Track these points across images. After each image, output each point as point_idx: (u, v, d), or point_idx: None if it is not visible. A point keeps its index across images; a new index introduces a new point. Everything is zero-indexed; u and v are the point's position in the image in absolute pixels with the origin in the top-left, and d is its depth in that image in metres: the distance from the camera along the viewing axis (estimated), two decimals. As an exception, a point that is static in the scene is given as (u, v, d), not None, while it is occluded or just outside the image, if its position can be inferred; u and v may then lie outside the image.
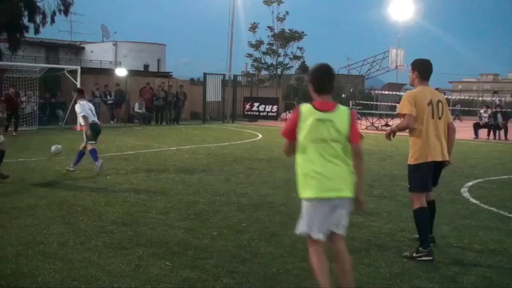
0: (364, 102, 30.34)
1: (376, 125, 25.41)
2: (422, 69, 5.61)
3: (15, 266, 4.79)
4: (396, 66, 33.01)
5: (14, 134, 17.52)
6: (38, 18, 27.04)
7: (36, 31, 27.56)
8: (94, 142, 10.28)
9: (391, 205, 7.79)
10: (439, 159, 5.46)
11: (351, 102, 29.07)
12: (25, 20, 26.50)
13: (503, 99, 33.00)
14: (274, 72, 46.85)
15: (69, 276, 4.58)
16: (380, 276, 4.80)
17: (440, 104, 5.49)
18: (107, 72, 31.09)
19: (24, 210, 6.87)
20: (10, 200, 7.48)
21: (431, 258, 5.25)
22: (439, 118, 5.47)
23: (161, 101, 25.21)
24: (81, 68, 23.35)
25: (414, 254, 5.32)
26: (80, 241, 5.60)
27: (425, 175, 5.49)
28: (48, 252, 5.22)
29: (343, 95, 33.53)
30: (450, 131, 5.63)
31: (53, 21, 28.04)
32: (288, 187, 9.04)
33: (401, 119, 5.53)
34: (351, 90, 33.57)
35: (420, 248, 5.30)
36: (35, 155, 12.37)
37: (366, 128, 24.39)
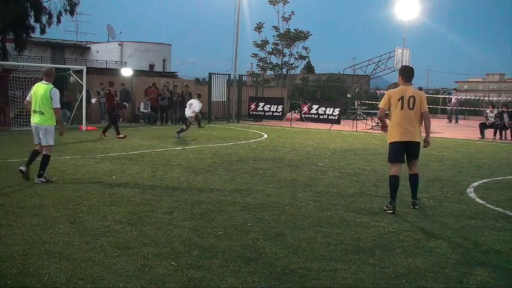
0: (370, 102, 30.28)
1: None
2: (405, 74, 7.58)
3: (21, 265, 4.81)
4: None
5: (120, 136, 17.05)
6: (44, 19, 27.06)
7: (42, 31, 27.58)
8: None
9: (396, 205, 7.76)
10: (405, 139, 7.35)
11: (356, 102, 29.01)
12: (31, 20, 26.52)
13: (460, 97, 32.65)
14: (280, 72, 46.88)
15: (74, 275, 4.60)
16: (385, 276, 4.79)
17: (411, 98, 7.33)
18: (113, 72, 31.16)
19: (30, 210, 6.90)
20: (16, 200, 7.51)
21: (392, 212, 7.25)
22: (410, 109, 7.32)
23: (166, 101, 25.25)
24: (87, 68, 23.40)
25: (384, 207, 7.41)
26: (85, 241, 5.62)
27: (393, 150, 7.48)
28: (54, 251, 5.24)
29: (348, 95, 33.48)
30: (424, 118, 7.47)
31: (59, 21, 28.05)
32: (293, 187, 9.04)
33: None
34: (356, 90, 33.50)
35: (388, 204, 7.41)
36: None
37: (371, 128, 24.33)
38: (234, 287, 4.46)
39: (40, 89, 9.00)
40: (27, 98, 9.30)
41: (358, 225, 6.59)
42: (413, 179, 7.66)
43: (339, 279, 4.69)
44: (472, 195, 8.75)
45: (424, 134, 7.63)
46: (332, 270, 4.90)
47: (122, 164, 11.13)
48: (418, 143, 7.47)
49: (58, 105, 8.99)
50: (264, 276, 4.69)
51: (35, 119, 9.02)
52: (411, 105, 7.32)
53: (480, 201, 8.26)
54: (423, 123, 7.50)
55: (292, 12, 44.91)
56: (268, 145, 16.01)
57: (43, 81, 9.10)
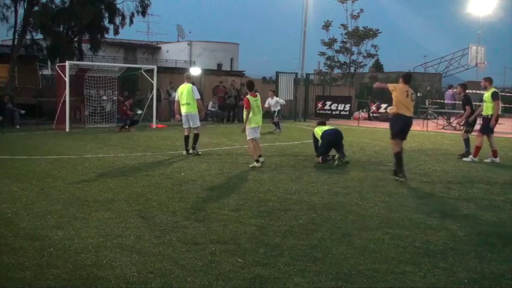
0: (441, 101, 29.30)
1: (453, 124, 24.46)
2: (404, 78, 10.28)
3: (95, 257, 5.00)
4: (476, 63, 31.70)
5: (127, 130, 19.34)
6: (118, 20, 27.97)
7: (116, 32, 28.52)
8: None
9: (469, 207, 7.47)
10: None
11: (427, 101, 28.15)
12: (105, 22, 27.50)
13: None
14: (348, 70, 46.29)
15: (144, 268, 4.73)
16: (457, 281, 4.61)
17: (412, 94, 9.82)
18: (182, 71, 31.82)
19: (103, 204, 7.17)
20: (90, 194, 7.83)
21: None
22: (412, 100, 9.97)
23: (233, 99, 25.52)
24: (157, 67, 24.08)
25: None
26: (155, 235, 5.77)
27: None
28: (126, 244, 5.41)
29: (418, 94, 32.53)
30: None
31: (131, 22, 28.89)
32: (361, 187, 8.89)
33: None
34: (428, 88, 32.53)
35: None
36: (114, 151, 12.87)
37: (443, 128, 23.54)
38: (300, 286, 4.44)
39: (184, 88, 12.33)
40: (176, 99, 12.71)
41: (428, 227, 6.38)
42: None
43: (408, 282, 4.57)
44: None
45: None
46: (401, 272, 4.78)
47: (190, 161, 11.35)
48: None
49: (198, 97, 12.45)
50: (330, 276, 4.64)
51: (185, 109, 12.27)
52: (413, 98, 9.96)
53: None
54: None
55: (361, 10, 44.24)
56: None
57: (185, 83, 12.42)
